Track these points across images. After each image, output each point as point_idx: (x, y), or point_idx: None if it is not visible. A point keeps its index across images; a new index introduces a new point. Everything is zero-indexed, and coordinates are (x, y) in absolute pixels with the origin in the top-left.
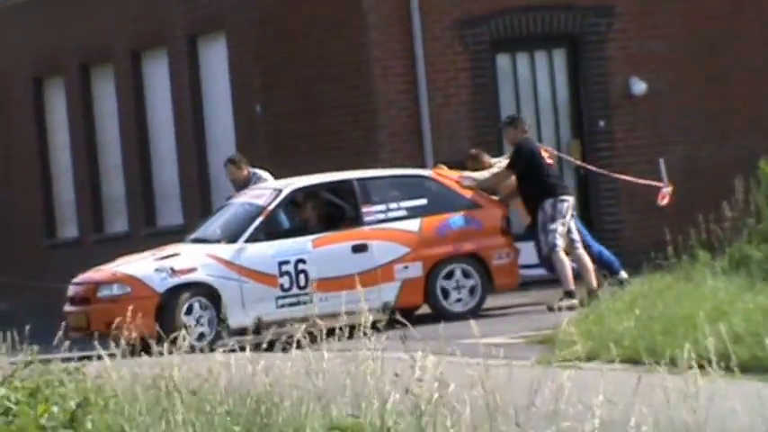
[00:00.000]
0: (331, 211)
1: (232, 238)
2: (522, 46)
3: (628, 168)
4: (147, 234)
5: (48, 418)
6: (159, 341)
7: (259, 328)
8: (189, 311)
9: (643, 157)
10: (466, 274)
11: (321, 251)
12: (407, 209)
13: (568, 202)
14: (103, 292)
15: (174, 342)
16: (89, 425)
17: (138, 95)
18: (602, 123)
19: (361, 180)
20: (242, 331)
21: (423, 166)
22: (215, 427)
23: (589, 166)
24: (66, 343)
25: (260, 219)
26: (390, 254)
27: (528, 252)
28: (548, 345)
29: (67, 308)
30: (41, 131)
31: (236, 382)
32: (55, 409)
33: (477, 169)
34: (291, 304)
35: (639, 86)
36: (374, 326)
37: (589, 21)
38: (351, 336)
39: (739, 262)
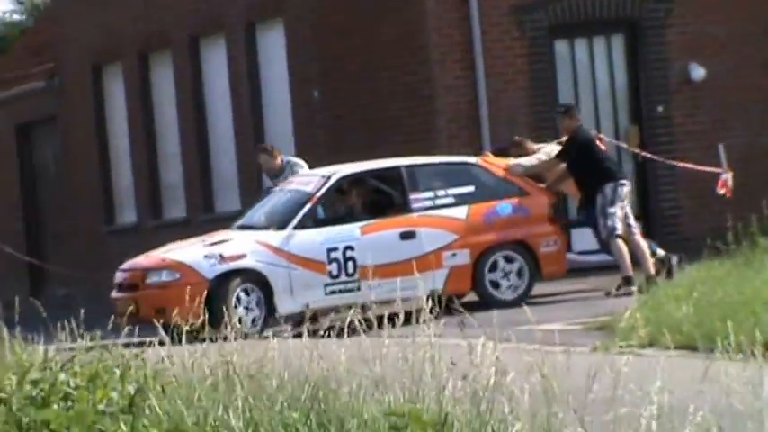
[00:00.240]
0: (379, 198)
1: (281, 225)
2: (581, 31)
3: (686, 154)
4: (205, 220)
5: (106, 404)
6: (211, 328)
7: (316, 315)
8: (238, 298)
9: (702, 143)
10: (513, 262)
11: (369, 238)
12: (455, 196)
13: (627, 186)
14: (152, 279)
15: (225, 328)
16: (147, 410)
17: (196, 82)
18: (660, 109)
19: (408, 167)
20: (298, 319)
21: (480, 152)
22: (273, 412)
23: (645, 153)
24: (126, 329)
25: (308, 205)
26: (438, 241)
27: (585, 238)
28: (606, 331)
29: (115, 294)
30: (100, 119)
31: (294, 368)
32: (114, 394)
33: (521, 156)
34: (340, 291)
35: (698, 72)
36: (430, 312)
37: (648, 6)
38: (407, 322)
39: None
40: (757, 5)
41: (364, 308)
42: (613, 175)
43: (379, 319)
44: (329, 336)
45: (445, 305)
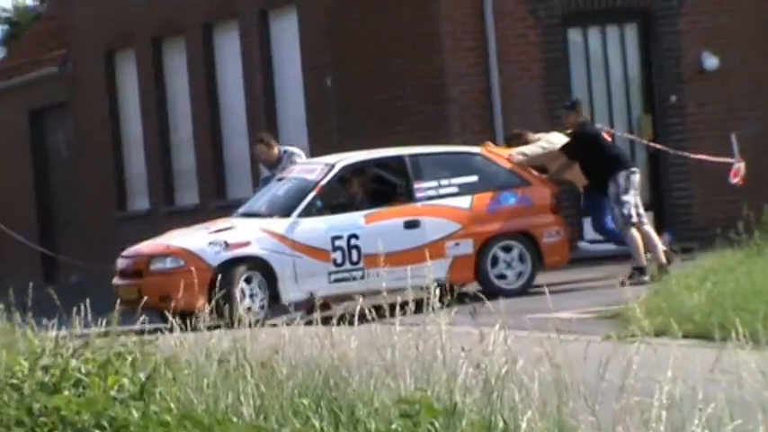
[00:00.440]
0: (382, 187)
1: (285, 213)
2: (594, 20)
3: (699, 144)
4: (218, 207)
5: (118, 390)
6: (215, 315)
7: (328, 303)
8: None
9: (715, 133)
10: (516, 252)
11: (374, 227)
12: (458, 186)
13: (638, 174)
14: (157, 266)
15: (231, 316)
16: (158, 397)
17: (209, 69)
18: (673, 98)
19: (412, 156)
20: (309, 306)
21: (494, 140)
22: (284, 399)
23: (658, 145)
24: (141, 317)
25: (313, 193)
26: (442, 230)
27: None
28: (618, 320)
29: (118, 281)
30: (113, 105)
31: (304, 355)
32: (125, 381)
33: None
34: (344, 279)
35: (711, 61)
36: (440, 300)
37: None
38: (418, 310)
39: None
40: None
41: (364, 296)
42: (625, 164)
43: (391, 307)
44: (340, 324)
45: (457, 294)
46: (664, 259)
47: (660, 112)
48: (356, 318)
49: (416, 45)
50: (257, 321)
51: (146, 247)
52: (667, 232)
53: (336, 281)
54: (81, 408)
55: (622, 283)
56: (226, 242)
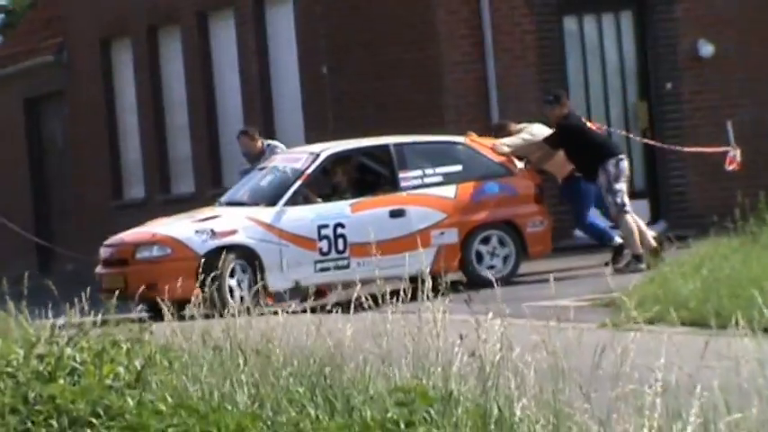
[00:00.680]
0: (368, 176)
1: (271, 202)
2: (590, 8)
3: (695, 131)
4: (213, 195)
5: (113, 379)
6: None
7: (323, 290)
8: (231, 274)
9: (710, 120)
10: (500, 241)
11: (359, 216)
12: (443, 175)
13: (626, 161)
14: (143, 254)
15: (222, 305)
16: (154, 385)
17: (204, 57)
18: (669, 86)
19: (397, 145)
20: (303, 294)
21: (488, 128)
22: (279, 388)
23: (651, 141)
24: (140, 306)
25: (298, 182)
26: (427, 219)
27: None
28: (613, 308)
29: (101, 270)
30: (109, 93)
31: (299, 343)
32: (120, 369)
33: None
34: (330, 268)
35: (707, 48)
36: (435, 288)
37: None
38: (413, 298)
39: None
40: None
41: (347, 286)
42: (612, 152)
43: (389, 294)
44: (332, 311)
45: (451, 282)
46: (640, 250)
47: (656, 100)
48: (351, 306)
49: (412, 33)
50: (247, 309)
51: (129, 235)
52: (662, 221)
53: (322, 270)
54: (76, 396)
55: (618, 271)
56: (212, 230)
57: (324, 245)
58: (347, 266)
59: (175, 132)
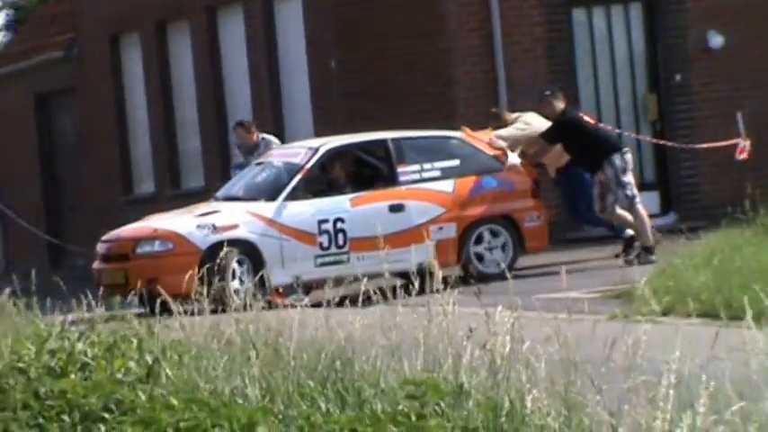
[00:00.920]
0: (366, 171)
1: (271, 196)
2: (599, 0)
3: (704, 122)
4: None
5: (124, 373)
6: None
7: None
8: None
9: (720, 111)
10: (498, 236)
11: (359, 210)
12: (441, 169)
13: (630, 153)
14: (144, 249)
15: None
16: (165, 380)
17: (214, 52)
18: (678, 77)
19: (395, 140)
20: (307, 288)
21: (498, 120)
22: (289, 382)
23: (665, 142)
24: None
25: (298, 177)
26: (426, 214)
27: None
28: (624, 299)
29: (99, 265)
30: (118, 88)
31: (310, 337)
32: (131, 364)
33: (498, 128)
34: (330, 263)
35: (717, 40)
36: (445, 281)
37: None
38: (422, 291)
39: None
40: None
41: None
42: (615, 145)
43: (395, 288)
44: (342, 305)
45: (462, 275)
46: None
47: (665, 92)
48: (360, 299)
49: (421, 26)
50: (250, 305)
51: (128, 230)
52: (672, 213)
53: (322, 264)
54: (88, 391)
55: (629, 263)
56: (214, 225)
57: (324, 239)
58: (347, 261)
59: (185, 127)
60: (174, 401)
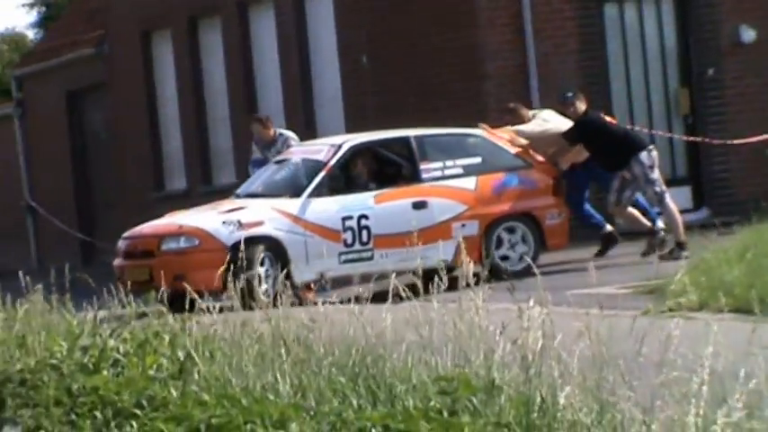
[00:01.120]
0: (389, 168)
1: (295, 193)
2: None
3: (736, 117)
4: None
5: (156, 370)
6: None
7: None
8: (260, 265)
9: (752, 106)
10: (519, 233)
11: (383, 207)
12: (463, 167)
13: (655, 151)
14: (169, 245)
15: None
16: (197, 376)
17: (245, 48)
18: (711, 72)
19: (417, 137)
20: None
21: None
22: (321, 378)
23: (697, 138)
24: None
25: (322, 173)
26: (449, 211)
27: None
28: (657, 295)
29: (121, 262)
30: (150, 85)
31: (341, 333)
32: (164, 360)
33: (514, 124)
34: (354, 260)
35: (749, 34)
36: (476, 276)
37: None
38: (452, 287)
39: None
40: None
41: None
42: (642, 143)
43: (425, 284)
44: (370, 302)
45: (490, 270)
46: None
47: (697, 86)
48: (390, 295)
49: (452, 22)
50: (280, 301)
51: (151, 227)
52: (704, 208)
53: (346, 261)
54: (120, 387)
55: (661, 258)
56: (239, 222)
57: (348, 236)
58: (371, 258)
59: (216, 123)
60: (206, 398)
